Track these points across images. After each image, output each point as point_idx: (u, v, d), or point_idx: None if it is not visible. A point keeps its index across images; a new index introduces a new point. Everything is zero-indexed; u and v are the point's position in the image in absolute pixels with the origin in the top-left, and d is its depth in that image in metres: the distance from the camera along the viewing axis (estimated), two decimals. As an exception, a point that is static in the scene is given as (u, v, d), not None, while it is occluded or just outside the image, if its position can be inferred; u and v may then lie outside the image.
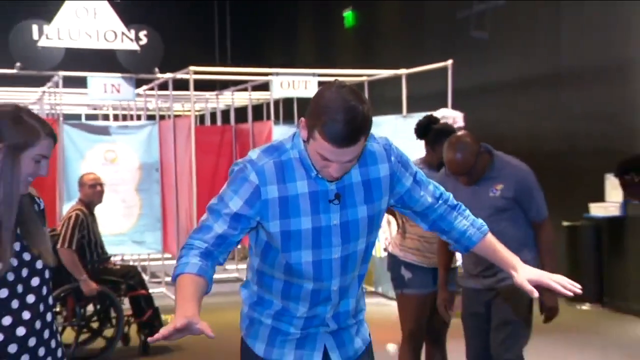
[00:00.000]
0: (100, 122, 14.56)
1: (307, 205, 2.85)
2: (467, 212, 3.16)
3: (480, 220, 3.15)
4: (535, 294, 2.99)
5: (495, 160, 4.80)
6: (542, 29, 11.14)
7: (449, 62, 9.96)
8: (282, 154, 2.86)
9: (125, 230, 11.20)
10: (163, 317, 8.02)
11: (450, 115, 7.33)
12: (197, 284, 2.77)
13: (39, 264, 2.89)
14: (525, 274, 3.02)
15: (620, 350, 7.83)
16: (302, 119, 2.77)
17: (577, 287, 2.94)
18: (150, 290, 8.12)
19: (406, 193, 3.03)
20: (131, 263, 11.01)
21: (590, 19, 10.22)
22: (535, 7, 11.18)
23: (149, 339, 2.66)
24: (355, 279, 3.01)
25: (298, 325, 2.98)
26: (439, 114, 7.23)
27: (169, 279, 11.41)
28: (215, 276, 9.75)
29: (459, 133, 4.84)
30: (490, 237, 3.13)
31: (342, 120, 2.62)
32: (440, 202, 3.10)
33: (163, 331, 2.57)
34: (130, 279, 7.90)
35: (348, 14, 16.30)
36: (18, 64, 12.33)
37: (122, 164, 11.36)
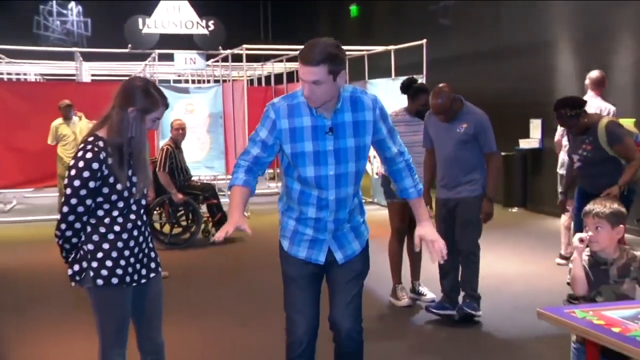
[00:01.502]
0: (182, 85, 14.52)
1: (309, 135, 2.87)
2: (416, 175, 3.08)
3: (420, 185, 3.09)
4: (417, 248, 3.08)
5: (464, 107, 4.78)
6: (487, 17, 10.98)
7: (424, 41, 9.83)
8: (294, 99, 2.90)
9: (200, 159, 11.25)
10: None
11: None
12: (242, 192, 2.89)
13: (141, 184, 2.93)
14: (421, 231, 3.00)
15: (538, 237, 7.91)
16: None
17: (443, 258, 2.96)
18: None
19: (382, 140, 2.97)
20: (205, 181, 11.08)
21: (521, 10, 10.06)
22: (482, 3, 11.01)
23: (213, 238, 2.77)
24: (350, 196, 2.97)
25: (310, 225, 2.98)
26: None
27: (230, 191, 11.54)
28: (264, 191, 9.78)
29: (440, 85, 4.77)
30: (419, 199, 3.08)
31: (308, 44, 2.76)
32: (401, 158, 3.02)
33: (221, 234, 2.71)
34: (206, 192, 8.01)
35: (353, 8, 16.12)
36: (129, 45, 12.37)
37: (197, 114, 11.36)
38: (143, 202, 2.97)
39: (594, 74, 6.56)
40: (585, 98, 6.37)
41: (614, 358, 2.71)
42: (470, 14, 11.50)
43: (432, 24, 12.38)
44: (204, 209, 8.05)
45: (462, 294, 4.88)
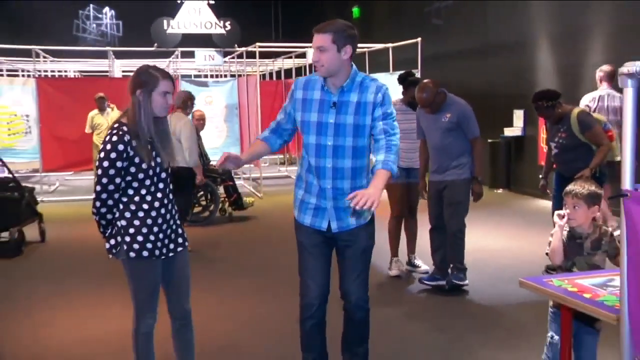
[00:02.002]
0: (202, 79, 14.50)
1: (316, 107, 2.96)
2: (393, 156, 2.86)
3: (392, 165, 2.83)
4: (347, 202, 2.75)
5: (448, 98, 4.78)
6: (475, 19, 10.89)
7: (419, 39, 9.78)
8: (314, 76, 3.02)
9: (219, 146, 11.24)
10: (244, 198, 8.15)
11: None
12: (258, 144, 3.12)
13: (165, 164, 2.93)
14: (365, 190, 2.72)
15: (520, 216, 7.93)
16: None
17: (357, 206, 2.62)
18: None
19: (375, 118, 2.93)
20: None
21: (506, 11, 9.99)
22: (471, 5, 10.93)
23: (217, 164, 2.98)
24: (349, 169, 2.93)
25: (314, 193, 3.00)
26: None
27: (246, 176, 11.56)
28: (274, 174, 9.77)
29: (425, 81, 4.78)
30: (383, 171, 2.80)
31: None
32: (383, 135, 2.89)
33: (221, 159, 2.89)
34: (223, 175, 7.98)
35: (355, 9, 16.04)
36: (155, 44, 12.35)
37: (215, 105, 11.37)
38: (169, 181, 2.96)
39: (607, 67, 6.31)
40: (600, 90, 6.31)
41: (585, 320, 2.75)
42: (460, 16, 11.43)
43: (427, 24, 12.30)
44: (221, 190, 8.07)
45: (450, 265, 4.91)
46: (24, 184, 6.99)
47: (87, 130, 9.74)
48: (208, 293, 4.96)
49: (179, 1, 15.05)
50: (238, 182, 7.95)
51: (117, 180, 2.78)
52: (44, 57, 12.80)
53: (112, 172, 2.75)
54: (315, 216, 3.01)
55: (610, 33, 7.91)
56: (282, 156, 13.57)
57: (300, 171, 3.07)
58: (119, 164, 2.75)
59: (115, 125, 2.82)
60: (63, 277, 5.61)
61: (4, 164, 7.10)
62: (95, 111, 9.75)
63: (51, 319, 4.54)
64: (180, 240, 3.01)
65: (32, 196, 6.99)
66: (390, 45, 10.69)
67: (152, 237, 2.85)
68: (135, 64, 15.52)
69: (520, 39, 9.69)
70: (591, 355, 2.87)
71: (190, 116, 6.67)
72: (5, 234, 6.42)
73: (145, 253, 2.85)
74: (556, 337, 2.85)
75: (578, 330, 2.81)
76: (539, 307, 3.76)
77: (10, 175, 6.84)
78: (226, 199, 8.04)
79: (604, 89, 6.27)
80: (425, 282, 4.97)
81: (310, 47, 11.92)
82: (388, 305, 4.64)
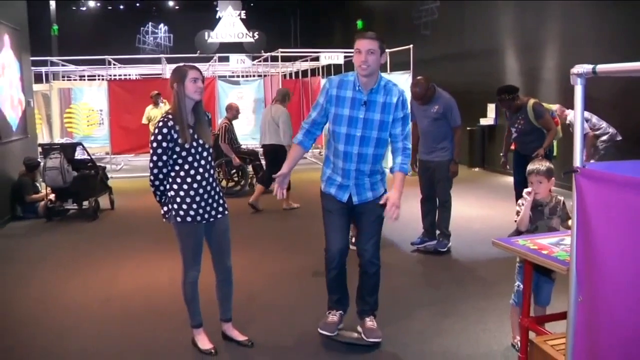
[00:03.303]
0: (235, 79, 14.46)
1: (348, 104, 2.88)
2: (408, 159, 2.89)
3: (407, 166, 2.88)
4: (382, 201, 2.83)
5: (437, 92, 4.70)
6: (456, 31, 10.76)
7: (410, 46, 9.66)
8: (345, 77, 2.94)
9: (247, 132, 11.25)
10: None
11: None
12: (297, 150, 3.02)
13: (206, 145, 2.89)
14: (390, 194, 2.80)
15: (493, 189, 7.89)
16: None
17: (392, 220, 2.76)
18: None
19: (395, 120, 2.91)
20: (251, 148, 11.09)
21: (480, 26, 9.84)
22: (451, 19, 10.80)
23: (274, 193, 2.98)
24: (371, 155, 2.90)
25: (339, 174, 2.97)
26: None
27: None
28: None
29: (418, 77, 4.72)
30: (399, 174, 2.84)
31: (363, 31, 2.94)
32: (401, 138, 2.90)
33: (277, 191, 2.93)
34: (251, 156, 7.98)
35: (359, 22, 15.89)
36: (198, 51, 12.34)
37: (245, 99, 11.33)
38: (210, 159, 2.92)
39: (555, 106, 6.32)
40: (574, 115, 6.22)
41: (543, 271, 2.76)
42: (444, 28, 11.31)
43: (417, 34, 12.17)
44: (250, 168, 8.06)
45: (438, 231, 4.88)
46: (98, 164, 7.13)
47: (144, 121, 9.81)
48: (239, 252, 4.96)
49: (217, 17, 15.02)
50: (264, 162, 7.96)
51: (164, 157, 2.79)
52: (114, 64, 12.95)
53: (159, 151, 2.77)
54: (339, 190, 2.99)
55: (561, 43, 7.86)
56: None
57: (328, 154, 3.04)
58: (164, 144, 2.76)
59: (163, 115, 2.84)
60: (128, 237, 5.69)
61: (84, 148, 7.22)
62: (151, 106, 9.84)
63: (118, 269, 4.61)
64: (220, 208, 2.99)
65: (104, 173, 7.16)
66: (387, 50, 10.57)
67: (194, 205, 2.84)
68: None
69: (491, 47, 9.61)
70: (548, 298, 2.89)
71: (285, 107, 6.71)
72: (86, 203, 6.60)
73: (188, 218, 2.85)
74: (522, 286, 2.85)
75: (538, 280, 2.82)
76: (508, 262, 3.76)
77: (89, 157, 7.02)
78: (254, 176, 8.04)
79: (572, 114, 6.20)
80: (416, 245, 4.96)
81: (322, 52, 11.75)
82: (384, 263, 4.61)
